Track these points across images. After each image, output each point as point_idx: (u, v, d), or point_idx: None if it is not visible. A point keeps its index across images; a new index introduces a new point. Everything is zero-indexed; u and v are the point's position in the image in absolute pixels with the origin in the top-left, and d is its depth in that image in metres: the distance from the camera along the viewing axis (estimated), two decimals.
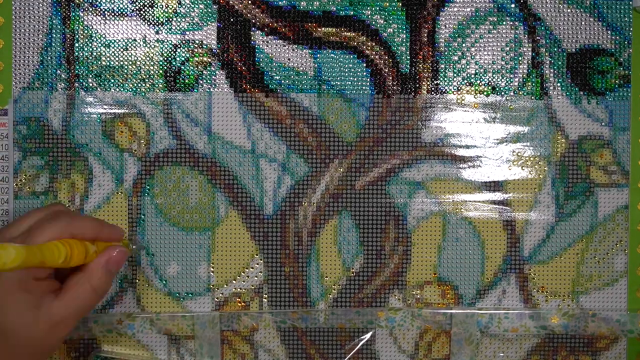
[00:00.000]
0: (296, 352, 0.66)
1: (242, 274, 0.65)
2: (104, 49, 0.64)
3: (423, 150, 0.65)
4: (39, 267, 0.50)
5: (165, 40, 0.64)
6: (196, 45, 0.64)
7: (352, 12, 0.64)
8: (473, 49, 0.65)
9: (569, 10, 0.65)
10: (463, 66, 0.65)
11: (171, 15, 0.64)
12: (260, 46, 0.64)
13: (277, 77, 0.64)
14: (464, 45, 0.65)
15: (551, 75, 0.65)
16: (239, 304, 0.65)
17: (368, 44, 0.64)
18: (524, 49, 0.65)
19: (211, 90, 0.64)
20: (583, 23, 0.65)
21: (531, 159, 0.65)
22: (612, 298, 0.66)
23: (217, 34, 0.64)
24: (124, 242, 0.59)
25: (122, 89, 0.64)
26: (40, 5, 0.64)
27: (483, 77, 0.65)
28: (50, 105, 0.64)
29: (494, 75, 0.65)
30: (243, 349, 0.66)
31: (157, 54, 0.64)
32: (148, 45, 0.64)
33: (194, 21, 0.64)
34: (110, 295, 0.65)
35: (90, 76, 0.64)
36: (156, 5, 0.64)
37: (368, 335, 0.65)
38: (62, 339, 0.53)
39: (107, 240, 0.55)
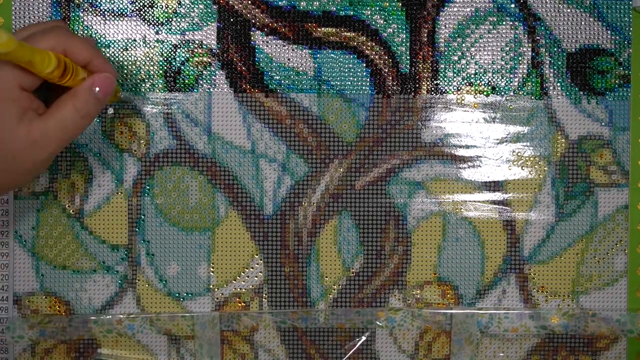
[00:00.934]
0: (296, 352, 0.66)
1: (242, 274, 0.65)
2: (104, 49, 0.64)
3: (423, 150, 0.65)
4: (26, 72, 0.48)
5: (165, 41, 0.64)
6: (196, 46, 0.64)
7: (352, 12, 0.64)
8: (473, 49, 0.65)
9: (569, 10, 0.65)
10: (463, 66, 0.65)
11: (171, 16, 0.64)
12: (260, 46, 0.64)
13: (277, 77, 0.64)
14: (463, 45, 0.65)
15: (551, 75, 0.65)
16: (239, 304, 0.65)
17: (368, 44, 0.64)
18: (524, 49, 0.65)
19: (211, 90, 0.64)
20: (583, 23, 0.65)
21: (531, 159, 0.65)
22: (612, 298, 0.66)
23: (217, 34, 0.64)
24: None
25: (121, 89, 0.64)
26: (40, 5, 0.63)
27: (483, 77, 0.65)
28: None
29: (494, 75, 0.65)
30: (243, 349, 0.66)
31: (157, 54, 0.64)
32: (148, 46, 0.64)
33: (194, 21, 0.64)
34: (110, 295, 0.65)
35: None
36: (156, 6, 0.64)
37: (364, 337, 0.65)
38: (42, 161, 0.50)
39: (98, 71, 0.52)
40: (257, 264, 0.65)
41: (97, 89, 0.51)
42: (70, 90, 0.51)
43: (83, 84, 0.51)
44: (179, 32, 0.64)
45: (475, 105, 0.65)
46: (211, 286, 0.65)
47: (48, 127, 0.50)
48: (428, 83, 0.65)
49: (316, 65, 0.64)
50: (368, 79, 0.65)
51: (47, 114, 0.50)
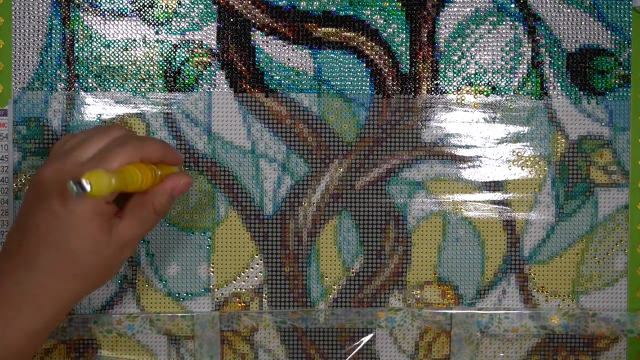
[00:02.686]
0: (296, 352, 0.66)
1: (242, 274, 0.65)
2: (104, 49, 0.64)
3: (423, 150, 0.65)
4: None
5: (165, 41, 0.64)
6: (196, 46, 0.64)
7: (352, 12, 0.64)
8: (473, 49, 0.65)
9: (569, 10, 0.65)
10: (463, 66, 0.65)
11: (171, 16, 0.64)
12: (260, 46, 0.64)
13: (277, 77, 0.64)
14: (463, 45, 0.65)
15: (551, 75, 0.65)
16: (239, 304, 0.65)
17: (368, 44, 0.64)
18: (524, 49, 0.65)
19: (211, 90, 0.64)
20: (583, 23, 0.65)
21: (531, 159, 0.65)
22: (612, 298, 0.66)
23: (217, 34, 0.64)
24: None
25: (122, 89, 0.64)
26: (40, 5, 0.63)
27: (483, 77, 0.65)
28: (50, 105, 0.64)
29: (494, 75, 0.65)
30: (243, 349, 0.66)
31: (157, 54, 0.64)
32: (148, 46, 0.64)
33: (194, 21, 0.64)
34: (110, 295, 0.65)
35: (90, 76, 0.64)
36: (156, 6, 0.64)
37: (368, 338, 0.65)
38: (127, 258, 0.55)
39: (170, 164, 0.56)
40: (257, 264, 0.65)
41: (176, 192, 0.55)
42: (151, 192, 0.54)
43: (162, 187, 0.54)
44: (179, 32, 0.64)
45: (475, 105, 0.65)
46: (211, 286, 0.65)
47: (133, 230, 0.53)
48: (428, 83, 0.65)
49: (316, 65, 0.64)
50: (368, 79, 0.65)
51: (131, 218, 0.53)
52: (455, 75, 0.65)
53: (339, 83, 0.65)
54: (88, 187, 0.45)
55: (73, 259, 0.52)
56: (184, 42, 0.64)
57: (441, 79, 0.65)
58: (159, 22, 0.64)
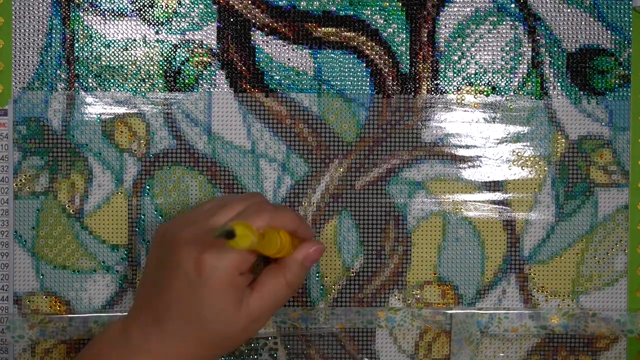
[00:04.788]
0: (296, 352, 0.66)
1: None
2: (104, 49, 0.64)
3: (423, 150, 0.65)
4: (244, 256, 0.50)
5: (165, 40, 0.64)
6: (196, 45, 0.64)
7: (352, 12, 0.64)
8: (473, 49, 0.65)
9: (569, 10, 0.65)
10: (463, 66, 0.65)
11: (171, 15, 0.64)
12: (260, 46, 0.64)
13: (277, 77, 0.64)
14: (464, 45, 0.65)
15: (551, 75, 0.65)
16: None
17: (368, 44, 0.64)
18: (524, 49, 0.65)
19: (211, 90, 0.64)
20: (583, 23, 0.65)
21: (531, 159, 0.65)
22: (612, 298, 0.66)
23: (217, 34, 0.64)
24: None
25: (122, 89, 0.64)
26: (40, 5, 0.64)
27: (483, 77, 0.65)
28: (50, 105, 0.64)
29: (494, 75, 0.65)
30: (243, 348, 0.66)
31: (157, 54, 0.64)
32: (148, 45, 0.64)
33: (194, 21, 0.64)
34: (110, 295, 0.65)
35: (90, 76, 0.64)
36: (156, 5, 0.64)
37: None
38: (255, 332, 0.53)
39: (302, 237, 0.55)
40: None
41: (308, 261, 0.54)
42: (282, 263, 0.53)
43: (294, 258, 0.53)
44: (179, 32, 0.64)
45: (475, 105, 0.65)
46: None
47: (264, 303, 0.52)
48: (428, 83, 0.65)
49: (316, 65, 0.64)
50: (368, 79, 0.65)
51: (263, 290, 0.52)
52: (455, 75, 0.65)
53: (339, 83, 0.65)
54: (234, 236, 0.45)
55: (202, 326, 0.51)
56: (184, 42, 0.64)
57: (441, 79, 0.65)
58: (159, 22, 0.64)
